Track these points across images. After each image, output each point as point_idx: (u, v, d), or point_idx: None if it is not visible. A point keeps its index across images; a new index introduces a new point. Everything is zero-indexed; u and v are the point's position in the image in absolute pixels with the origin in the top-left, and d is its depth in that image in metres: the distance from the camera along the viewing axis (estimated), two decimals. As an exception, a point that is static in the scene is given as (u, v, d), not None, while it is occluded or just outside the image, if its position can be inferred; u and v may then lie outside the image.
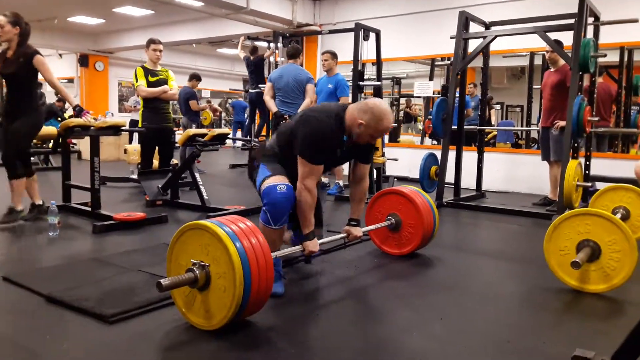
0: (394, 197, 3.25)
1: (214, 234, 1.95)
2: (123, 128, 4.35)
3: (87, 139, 4.22)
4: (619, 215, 3.60)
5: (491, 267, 3.25)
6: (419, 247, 3.23)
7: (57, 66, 13.96)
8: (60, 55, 13.45)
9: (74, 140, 9.39)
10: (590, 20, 4.93)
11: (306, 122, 2.45)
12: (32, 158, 8.05)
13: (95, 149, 4.08)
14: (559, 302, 2.55)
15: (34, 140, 5.30)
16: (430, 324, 2.20)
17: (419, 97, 8.26)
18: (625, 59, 6.50)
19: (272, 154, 2.61)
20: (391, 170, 6.93)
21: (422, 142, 9.07)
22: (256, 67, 8.41)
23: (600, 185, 4.57)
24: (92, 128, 4.08)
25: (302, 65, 5.77)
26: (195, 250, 2.03)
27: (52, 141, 4.77)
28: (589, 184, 4.96)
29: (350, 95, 5.67)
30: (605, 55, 4.68)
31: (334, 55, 5.65)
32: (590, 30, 4.94)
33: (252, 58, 8.36)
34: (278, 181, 2.44)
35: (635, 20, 4.90)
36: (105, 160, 8.95)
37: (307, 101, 5.19)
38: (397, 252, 3.22)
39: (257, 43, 9.71)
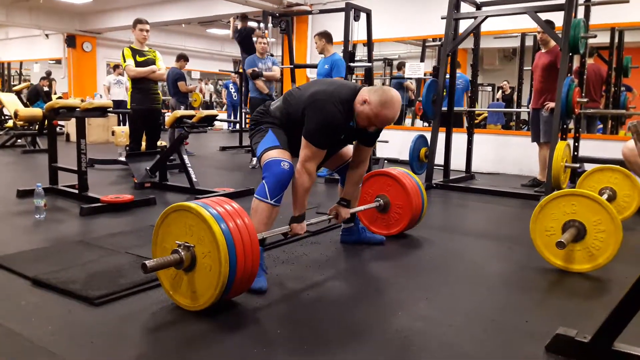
0: (383, 179, 3.25)
1: (197, 214, 1.95)
2: (110, 109, 4.29)
3: (74, 120, 4.17)
4: (605, 196, 3.63)
5: (478, 247, 3.27)
6: (407, 228, 3.25)
7: (43, 47, 13.76)
8: (46, 35, 13.25)
9: (62, 122, 9.30)
10: (581, 0, 4.90)
11: (318, 108, 2.39)
12: (19, 140, 8.03)
13: (81, 131, 4.03)
14: (544, 282, 2.58)
15: (20, 122, 5.22)
16: (416, 304, 2.22)
17: (410, 78, 8.20)
18: (616, 40, 6.50)
19: (279, 121, 2.56)
20: (381, 152, 6.93)
21: (412, 123, 9.06)
22: (243, 39, 7.92)
23: (588, 167, 4.59)
24: (78, 109, 4.03)
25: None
26: (180, 232, 2.02)
27: (37, 123, 4.69)
28: (577, 165, 4.98)
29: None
30: (595, 36, 4.67)
31: (322, 36, 5.57)
32: (581, 11, 4.92)
33: (239, 27, 7.96)
34: (282, 157, 2.41)
35: (626, 1, 4.87)
36: (94, 142, 8.88)
37: None
38: (386, 233, 3.23)
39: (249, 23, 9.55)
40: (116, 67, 10.63)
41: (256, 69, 6.09)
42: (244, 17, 7.93)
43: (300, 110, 2.46)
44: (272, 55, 6.76)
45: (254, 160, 6.20)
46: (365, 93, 2.42)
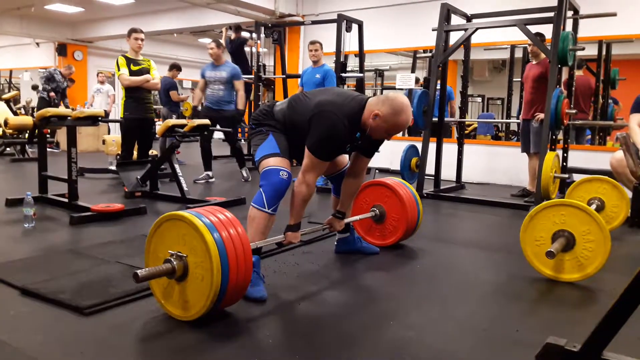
0: (379, 189, 3.27)
1: (190, 224, 1.94)
2: (101, 118, 4.28)
3: (65, 129, 4.15)
4: (594, 206, 3.67)
5: (470, 257, 3.29)
6: (402, 239, 3.26)
7: (34, 55, 13.69)
8: (37, 44, 13.18)
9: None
10: (570, 13, 4.99)
11: (323, 119, 2.36)
12: (7, 148, 7.96)
13: (72, 140, 4.01)
14: (534, 291, 2.59)
15: (10, 131, 5.20)
16: (408, 314, 2.22)
17: (400, 89, 8.27)
18: (604, 52, 6.61)
19: (281, 125, 2.53)
20: (372, 162, 6.94)
21: (403, 134, 9.10)
22: (236, 49, 8.06)
23: (577, 177, 4.64)
24: (69, 118, 4.01)
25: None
26: (173, 241, 2.02)
27: (27, 131, 4.67)
28: (566, 176, 5.04)
29: (333, 86, 5.68)
30: (583, 49, 4.75)
31: (321, 45, 5.67)
32: (569, 24, 5.00)
33: (232, 37, 8.04)
34: (280, 165, 2.40)
35: (614, 14, 4.96)
36: (85, 151, 8.83)
37: None
38: (381, 243, 3.23)
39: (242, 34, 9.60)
40: (99, 74, 10.54)
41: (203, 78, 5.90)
42: (237, 27, 7.97)
43: (306, 119, 2.42)
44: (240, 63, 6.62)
45: (244, 171, 6.16)
46: (374, 106, 2.39)
